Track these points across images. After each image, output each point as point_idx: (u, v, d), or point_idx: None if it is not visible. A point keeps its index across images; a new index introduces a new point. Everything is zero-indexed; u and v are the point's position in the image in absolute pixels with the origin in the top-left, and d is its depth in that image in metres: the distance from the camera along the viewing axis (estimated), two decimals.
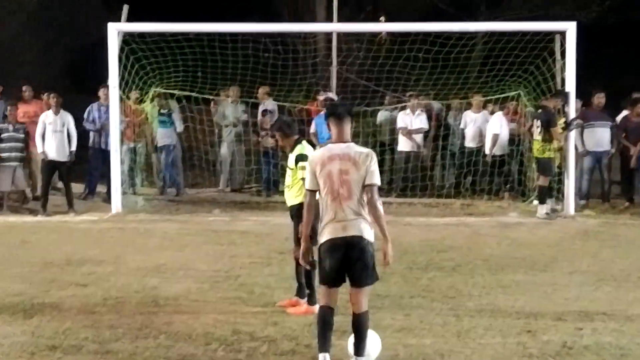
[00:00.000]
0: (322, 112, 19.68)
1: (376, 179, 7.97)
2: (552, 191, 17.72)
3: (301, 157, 10.20)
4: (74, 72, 23.18)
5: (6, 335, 9.34)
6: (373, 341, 8.47)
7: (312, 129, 19.25)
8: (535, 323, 9.82)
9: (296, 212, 10.16)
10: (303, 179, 9.59)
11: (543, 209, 17.32)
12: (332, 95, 18.88)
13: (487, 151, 19.56)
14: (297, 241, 9.88)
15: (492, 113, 19.79)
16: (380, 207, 7.99)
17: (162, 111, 19.83)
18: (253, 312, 10.32)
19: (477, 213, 18.13)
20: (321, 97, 18.60)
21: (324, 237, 8.00)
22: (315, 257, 8.28)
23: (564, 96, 17.68)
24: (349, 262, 7.90)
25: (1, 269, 12.72)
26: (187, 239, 15.18)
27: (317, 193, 8.17)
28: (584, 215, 17.78)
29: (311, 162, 8.23)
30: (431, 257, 13.59)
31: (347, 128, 8.17)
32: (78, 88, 20.87)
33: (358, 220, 7.88)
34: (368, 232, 7.93)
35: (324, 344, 7.92)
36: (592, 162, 19.12)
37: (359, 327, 8.02)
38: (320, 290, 8.22)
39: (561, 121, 17.51)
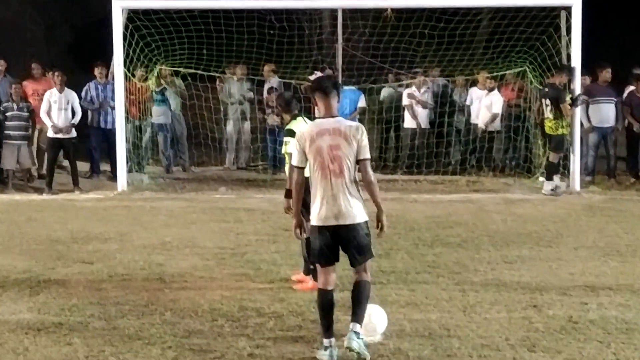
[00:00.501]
0: (345, 88, 19.88)
1: (367, 153, 7.90)
2: (558, 167, 17.65)
3: (288, 132, 10.47)
4: (79, 50, 23.15)
5: (13, 312, 9.38)
6: (379, 316, 8.48)
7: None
8: (540, 298, 9.82)
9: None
10: (288, 153, 9.99)
11: (549, 185, 17.29)
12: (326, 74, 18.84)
13: (481, 125, 19.58)
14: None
15: (490, 90, 19.67)
16: (375, 181, 7.91)
17: (156, 89, 19.79)
18: (259, 288, 10.34)
19: (483, 190, 18.12)
20: (313, 77, 18.58)
21: (314, 218, 7.91)
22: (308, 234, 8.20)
23: (569, 71, 17.64)
24: (342, 244, 7.89)
25: (7, 247, 12.77)
26: (193, 217, 15.19)
27: (306, 169, 8.03)
28: (590, 191, 17.77)
29: (300, 137, 8.03)
30: (437, 233, 13.59)
31: (335, 102, 8.02)
32: (83, 66, 20.80)
33: (350, 201, 7.77)
34: (361, 214, 7.84)
35: (327, 329, 7.77)
36: (597, 138, 19.08)
37: (357, 293, 7.91)
38: (318, 270, 8.08)
39: (568, 97, 17.43)
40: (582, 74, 18.39)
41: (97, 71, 19.43)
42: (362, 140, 7.85)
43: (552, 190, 17.20)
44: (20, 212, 15.78)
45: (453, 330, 8.63)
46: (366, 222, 7.89)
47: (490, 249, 12.47)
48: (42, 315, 9.23)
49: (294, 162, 8.09)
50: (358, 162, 7.85)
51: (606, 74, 19.16)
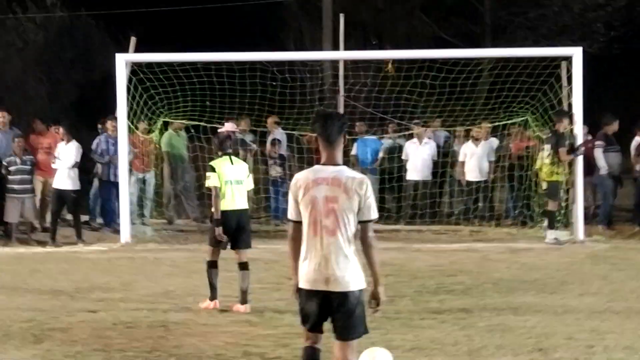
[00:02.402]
0: (365, 136, 20.01)
1: (373, 213, 6.93)
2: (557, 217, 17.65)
3: (209, 167, 11.96)
4: (83, 106, 23.28)
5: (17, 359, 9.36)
6: (385, 358, 8.44)
7: (354, 151, 20.25)
8: (546, 341, 9.81)
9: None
10: (209, 187, 11.81)
11: (551, 234, 17.29)
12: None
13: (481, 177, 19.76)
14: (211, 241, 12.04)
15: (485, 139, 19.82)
16: (376, 247, 6.95)
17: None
18: (263, 334, 10.32)
19: (486, 239, 18.09)
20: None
21: (301, 279, 6.97)
22: None
23: (569, 116, 17.73)
24: (331, 312, 6.92)
25: (10, 297, 12.72)
26: (196, 267, 15.08)
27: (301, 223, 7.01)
28: (593, 240, 17.74)
29: (293, 186, 7.07)
30: (441, 281, 13.58)
31: (339, 148, 7.03)
32: (87, 122, 20.90)
33: (344, 264, 6.80)
34: (356, 281, 6.86)
35: None
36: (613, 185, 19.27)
37: None
38: (303, 330, 7.18)
39: (567, 144, 17.51)
40: (584, 121, 18.53)
41: (109, 124, 19.40)
42: (366, 197, 6.86)
43: (555, 239, 17.19)
44: (23, 264, 15.75)
45: None
46: (362, 290, 6.90)
47: (495, 295, 12.46)
48: None
49: (289, 216, 7.13)
50: (360, 223, 6.89)
51: (615, 125, 19.34)
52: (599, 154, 19.10)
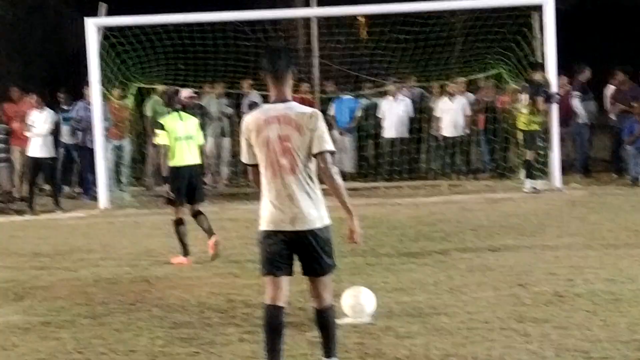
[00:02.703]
0: (343, 97, 20.00)
1: (327, 144, 6.58)
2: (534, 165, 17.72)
3: (157, 124, 12.42)
4: (56, 82, 23.10)
5: None
6: (367, 297, 8.50)
7: (331, 111, 20.20)
8: (526, 277, 9.91)
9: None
10: (158, 144, 12.25)
11: (529, 183, 17.36)
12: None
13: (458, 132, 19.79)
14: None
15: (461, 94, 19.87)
16: (338, 177, 6.61)
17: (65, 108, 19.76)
18: (246, 284, 10.30)
19: (465, 192, 18.11)
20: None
21: (264, 222, 6.63)
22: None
23: (543, 67, 17.80)
24: (298, 253, 6.63)
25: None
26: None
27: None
28: (571, 187, 17.81)
29: (244, 129, 6.72)
30: (420, 230, 13.64)
31: (288, 83, 6.69)
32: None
33: (308, 202, 6.52)
34: (322, 217, 6.58)
35: (273, 356, 6.58)
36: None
37: (324, 325, 6.78)
38: (265, 283, 6.72)
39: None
40: (560, 73, 18.59)
41: (86, 91, 19.30)
42: (317, 129, 6.54)
43: (533, 188, 17.26)
44: (2, 231, 15.70)
45: (441, 308, 8.69)
46: (328, 226, 6.63)
47: (474, 240, 12.54)
48: (28, 317, 9.22)
49: (244, 160, 6.80)
50: (315, 156, 6.55)
51: (587, 73, 19.52)
52: (576, 103, 19.19)
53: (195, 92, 19.47)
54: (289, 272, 6.67)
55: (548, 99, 17.63)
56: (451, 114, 19.80)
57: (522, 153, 17.97)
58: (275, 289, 6.62)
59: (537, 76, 17.56)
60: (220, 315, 8.92)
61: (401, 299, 9.16)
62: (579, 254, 11.15)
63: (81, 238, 14.48)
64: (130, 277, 11.10)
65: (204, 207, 15.53)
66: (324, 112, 19.09)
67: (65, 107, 19.57)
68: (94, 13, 18.42)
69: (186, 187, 12.06)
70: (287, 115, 6.56)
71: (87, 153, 19.06)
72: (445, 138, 19.95)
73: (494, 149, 19.80)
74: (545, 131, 17.96)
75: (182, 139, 11.97)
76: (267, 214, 6.62)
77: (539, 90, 17.42)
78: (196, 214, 12.28)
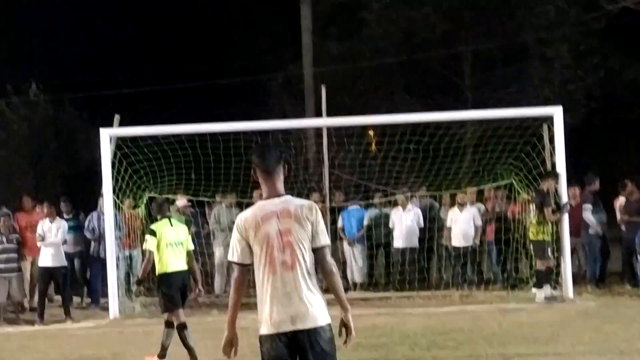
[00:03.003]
0: (350, 207, 20.01)
1: (327, 238, 6.50)
2: (549, 276, 17.64)
3: (150, 231, 12.52)
4: (69, 196, 23.24)
5: None
6: None
7: (340, 223, 20.23)
8: None
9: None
10: (146, 250, 12.42)
11: (541, 293, 17.27)
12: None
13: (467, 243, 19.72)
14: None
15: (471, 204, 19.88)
16: (337, 272, 6.53)
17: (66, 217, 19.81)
18: None
19: (477, 302, 18.00)
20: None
21: (264, 325, 6.40)
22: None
23: (555, 176, 17.85)
24: (301, 354, 6.34)
25: None
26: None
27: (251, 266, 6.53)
28: (583, 298, 17.68)
29: (241, 227, 6.52)
30: (433, 339, 13.49)
31: (280, 178, 6.59)
32: (74, 214, 20.78)
33: (309, 299, 6.32)
34: (323, 315, 6.36)
35: None
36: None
37: None
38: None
39: (553, 203, 17.60)
40: (572, 184, 18.72)
41: (100, 202, 19.48)
42: (317, 223, 6.44)
43: (545, 298, 17.15)
44: (12, 341, 15.61)
45: None
46: (329, 324, 6.40)
47: (488, 348, 12.41)
48: None
49: (233, 259, 6.57)
50: (314, 250, 6.42)
51: (597, 184, 19.69)
52: (588, 214, 19.18)
53: (190, 201, 19.72)
54: None
55: (558, 208, 17.65)
56: (461, 224, 19.79)
57: (535, 264, 17.92)
58: None
59: (546, 185, 17.63)
60: None
61: None
62: None
63: (91, 347, 14.38)
64: None
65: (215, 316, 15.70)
66: (333, 222, 19.41)
67: (66, 217, 19.62)
68: (107, 127, 18.65)
69: (180, 291, 12.44)
70: (286, 209, 6.43)
71: (99, 263, 19.10)
72: (455, 248, 19.90)
73: (506, 259, 19.70)
74: (557, 241, 17.96)
75: (173, 244, 12.35)
76: (266, 316, 6.38)
77: (546, 199, 17.46)
78: (184, 326, 12.49)
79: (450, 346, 12.76)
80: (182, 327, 12.32)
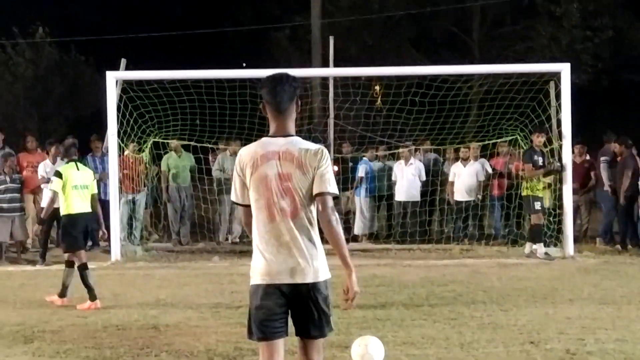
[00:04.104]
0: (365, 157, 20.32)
1: (331, 186, 5.88)
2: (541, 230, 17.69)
3: (55, 173, 12.85)
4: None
5: (7, 356, 9.35)
6: (376, 347, 8.41)
7: (361, 172, 20.30)
8: (537, 336, 9.85)
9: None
10: (51, 190, 12.75)
11: (541, 248, 17.32)
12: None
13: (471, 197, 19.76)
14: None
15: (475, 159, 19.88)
16: (338, 226, 5.90)
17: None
18: None
19: (477, 256, 18.04)
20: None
21: (257, 275, 5.92)
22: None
23: (542, 131, 17.83)
24: (295, 310, 5.93)
25: (0, 306, 12.66)
26: (186, 280, 15.13)
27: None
28: (584, 255, 17.72)
29: (238, 164, 6.03)
30: (432, 290, 13.53)
31: (292, 117, 6.06)
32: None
33: (310, 251, 5.85)
34: (324, 270, 5.92)
35: None
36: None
37: None
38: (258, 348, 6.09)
39: (540, 159, 17.68)
40: (577, 142, 18.84)
41: (93, 145, 19.63)
42: (322, 169, 5.87)
43: (545, 253, 17.21)
44: (13, 279, 15.66)
45: None
46: (328, 281, 5.97)
47: (486, 300, 12.44)
48: (37, 358, 9.25)
49: (233, 198, 6.12)
50: (314, 196, 5.87)
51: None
52: (604, 170, 19.19)
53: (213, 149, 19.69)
54: (285, 333, 5.96)
55: (545, 165, 17.65)
56: (464, 178, 19.80)
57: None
58: (270, 355, 5.94)
59: (536, 141, 17.64)
60: None
61: (411, 352, 9.12)
62: (590, 315, 11.09)
63: None
64: (139, 324, 11.07)
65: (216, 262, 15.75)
66: (337, 173, 19.38)
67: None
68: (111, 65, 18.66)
69: (83, 233, 12.81)
70: (289, 152, 5.86)
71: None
72: (457, 202, 19.92)
73: (508, 215, 19.74)
74: (558, 198, 18.01)
75: (78, 187, 12.66)
76: (260, 265, 5.89)
77: (527, 156, 17.55)
78: (85, 267, 12.71)
79: (448, 297, 12.80)
80: (83, 267, 12.60)
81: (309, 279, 5.81)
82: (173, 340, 9.98)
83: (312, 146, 5.93)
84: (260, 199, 5.85)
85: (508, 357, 8.78)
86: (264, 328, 5.85)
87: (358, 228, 20.45)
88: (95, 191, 13.12)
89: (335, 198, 5.98)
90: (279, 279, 5.79)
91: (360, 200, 20.42)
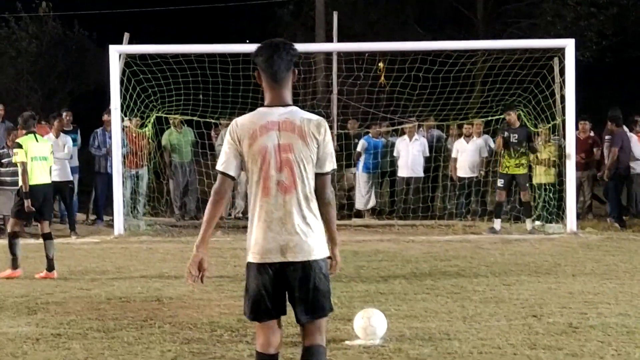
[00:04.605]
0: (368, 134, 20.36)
1: (332, 164, 5.68)
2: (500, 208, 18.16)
3: (16, 144, 13.03)
4: (75, 117, 23.17)
5: (11, 326, 9.39)
6: (379, 319, 8.47)
7: (359, 147, 20.16)
8: (540, 310, 9.87)
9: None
10: (17, 162, 12.77)
11: (498, 224, 17.88)
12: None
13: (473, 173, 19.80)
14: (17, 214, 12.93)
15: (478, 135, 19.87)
16: (334, 202, 5.79)
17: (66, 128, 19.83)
18: None
19: (479, 232, 18.04)
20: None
21: (251, 253, 5.63)
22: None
23: (510, 108, 18.06)
24: (290, 290, 5.62)
25: (3, 278, 12.68)
26: (190, 254, 14.95)
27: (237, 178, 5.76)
28: (586, 232, 17.72)
29: (233, 134, 5.66)
30: (434, 265, 13.57)
31: (288, 86, 5.70)
32: (82, 134, 20.75)
33: (305, 228, 5.55)
34: (321, 248, 5.63)
35: None
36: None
37: None
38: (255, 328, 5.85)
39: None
40: (583, 119, 18.89)
41: (105, 118, 19.61)
42: (325, 143, 5.62)
43: (491, 229, 17.75)
44: None
45: (453, 334, 8.67)
46: (326, 259, 5.68)
47: (489, 275, 12.47)
48: (40, 329, 9.24)
49: (222, 168, 5.71)
50: (317, 175, 5.62)
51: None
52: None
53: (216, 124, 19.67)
54: (282, 312, 5.68)
55: (507, 142, 17.83)
56: (467, 155, 19.77)
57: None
58: (267, 336, 5.67)
59: (507, 119, 17.92)
60: (231, 333, 8.93)
61: (413, 324, 9.14)
62: (593, 290, 11.10)
63: (95, 260, 14.48)
64: (143, 296, 11.10)
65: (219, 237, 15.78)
66: (340, 149, 19.38)
67: (65, 128, 19.63)
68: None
69: (40, 204, 12.96)
70: (290, 121, 5.56)
71: (107, 178, 19.10)
72: (460, 179, 19.91)
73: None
74: (560, 174, 18.05)
75: (38, 159, 12.95)
76: (253, 242, 5.61)
77: (503, 130, 17.93)
78: (46, 237, 13.05)
79: (451, 272, 12.83)
80: (13, 236, 12.93)
81: (302, 257, 5.51)
82: (176, 313, 10.01)
83: (313, 117, 5.66)
84: (257, 171, 5.55)
85: (510, 330, 8.79)
86: (256, 308, 5.61)
87: (359, 203, 20.44)
88: (52, 163, 13.57)
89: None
90: (269, 258, 5.52)
91: (358, 176, 20.42)
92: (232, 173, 5.64)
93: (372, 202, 20.51)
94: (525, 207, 18.09)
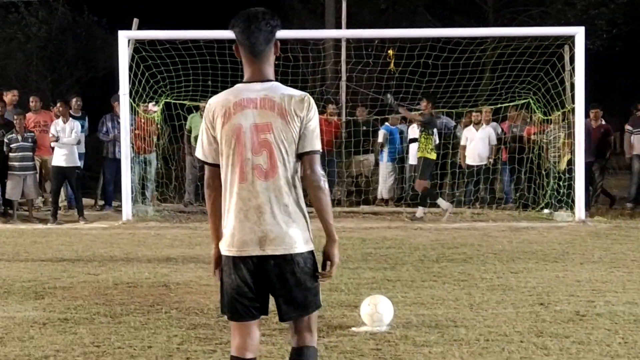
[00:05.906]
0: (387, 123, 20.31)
1: (319, 143, 5.03)
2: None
3: None
4: (85, 104, 23.17)
5: (18, 311, 9.40)
6: (385, 306, 8.46)
7: (381, 138, 20.28)
8: (547, 298, 9.83)
9: None
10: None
11: (421, 211, 18.01)
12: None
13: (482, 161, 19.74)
14: None
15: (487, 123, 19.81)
16: (325, 186, 5.04)
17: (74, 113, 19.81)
18: None
19: (487, 220, 18.04)
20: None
21: (224, 244, 5.03)
22: None
23: (427, 99, 18.15)
24: (270, 287, 5.06)
25: (11, 263, 12.74)
26: (197, 240, 15.18)
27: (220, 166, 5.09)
28: (595, 220, 17.68)
29: (206, 114, 5.10)
30: (442, 252, 13.54)
31: (269, 60, 5.12)
32: (90, 120, 20.76)
33: (285, 218, 4.96)
34: (303, 239, 5.02)
35: None
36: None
37: None
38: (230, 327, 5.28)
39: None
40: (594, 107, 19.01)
41: (114, 103, 19.61)
42: (309, 120, 4.99)
43: (415, 215, 17.89)
44: (25, 237, 15.74)
45: (460, 322, 8.64)
46: (311, 252, 5.08)
47: (496, 262, 12.44)
48: (47, 313, 9.24)
49: (200, 155, 5.15)
50: (301, 155, 5.01)
51: None
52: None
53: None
54: (261, 313, 5.14)
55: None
56: (476, 142, 19.73)
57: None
58: (242, 337, 5.13)
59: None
60: None
61: (420, 311, 9.12)
62: (601, 279, 11.07)
63: (103, 246, 14.50)
64: (150, 282, 11.10)
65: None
66: (349, 136, 19.36)
67: (74, 113, 19.63)
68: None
69: None
70: (269, 98, 4.97)
71: (116, 163, 19.10)
72: (469, 166, 19.88)
73: (519, 179, 19.70)
74: (569, 162, 18.01)
75: None
76: (227, 233, 5.02)
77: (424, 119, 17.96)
78: None
79: (459, 259, 12.80)
80: None
81: (282, 250, 4.95)
82: (183, 298, 10.01)
83: (297, 92, 5.02)
84: (232, 155, 4.96)
85: (517, 318, 8.76)
86: (232, 307, 5.07)
87: (386, 192, 20.49)
88: None
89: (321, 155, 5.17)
90: (246, 251, 4.95)
91: (382, 166, 20.43)
92: (211, 161, 5.09)
93: (394, 191, 20.62)
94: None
